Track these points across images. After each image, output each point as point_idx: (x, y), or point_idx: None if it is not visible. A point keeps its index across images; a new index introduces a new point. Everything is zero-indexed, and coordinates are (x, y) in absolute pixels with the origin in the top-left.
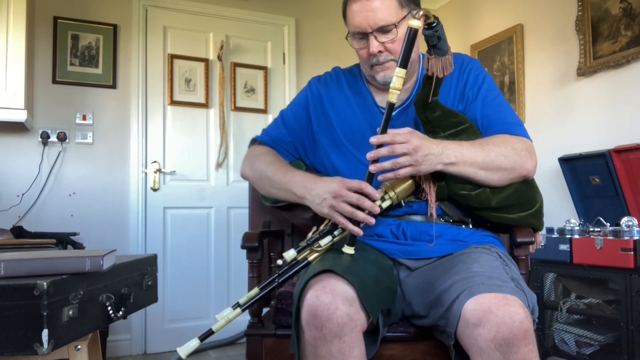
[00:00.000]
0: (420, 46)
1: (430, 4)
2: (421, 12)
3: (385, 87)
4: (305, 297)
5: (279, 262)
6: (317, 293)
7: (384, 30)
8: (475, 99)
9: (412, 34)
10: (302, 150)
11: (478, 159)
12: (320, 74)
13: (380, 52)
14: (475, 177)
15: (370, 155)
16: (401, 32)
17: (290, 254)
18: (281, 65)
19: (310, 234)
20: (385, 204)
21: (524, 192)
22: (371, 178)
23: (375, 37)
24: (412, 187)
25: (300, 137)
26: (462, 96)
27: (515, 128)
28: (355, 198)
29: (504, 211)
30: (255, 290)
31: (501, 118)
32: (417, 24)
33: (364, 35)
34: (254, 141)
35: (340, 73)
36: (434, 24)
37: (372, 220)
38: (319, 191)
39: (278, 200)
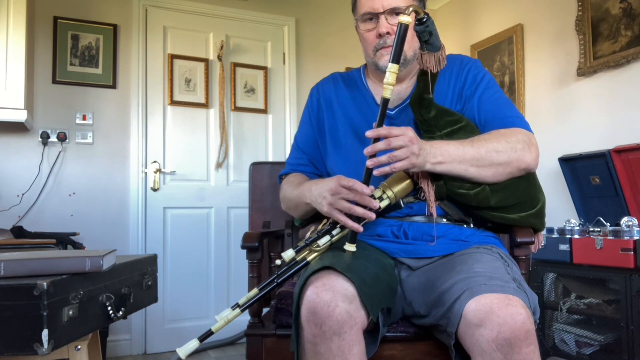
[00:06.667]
0: None
1: (430, 4)
2: (411, 9)
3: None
4: (305, 294)
5: (278, 262)
6: (317, 290)
7: (394, 12)
8: (472, 97)
9: (402, 29)
10: (319, 165)
11: (467, 155)
12: (320, 74)
13: (388, 33)
14: (467, 175)
15: (367, 150)
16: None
17: (288, 254)
18: (281, 65)
19: (308, 234)
20: (384, 204)
21: (525, 191)
22: (369, 174)
23: (386, 19)
24: (410, 186)
25: (313, 153)
26: (460, 95)
27: (514, 121)
28: (352, 195)
29: (504, 211)
30: (255, 290)
31: (499, 113)
32: (407, 19)
33: (374, 16)
34: (281, 177)
35: (339, 76)
36: (424, 20)
37: (372, 215)
38: (319, 190)
39: (306, 219)
